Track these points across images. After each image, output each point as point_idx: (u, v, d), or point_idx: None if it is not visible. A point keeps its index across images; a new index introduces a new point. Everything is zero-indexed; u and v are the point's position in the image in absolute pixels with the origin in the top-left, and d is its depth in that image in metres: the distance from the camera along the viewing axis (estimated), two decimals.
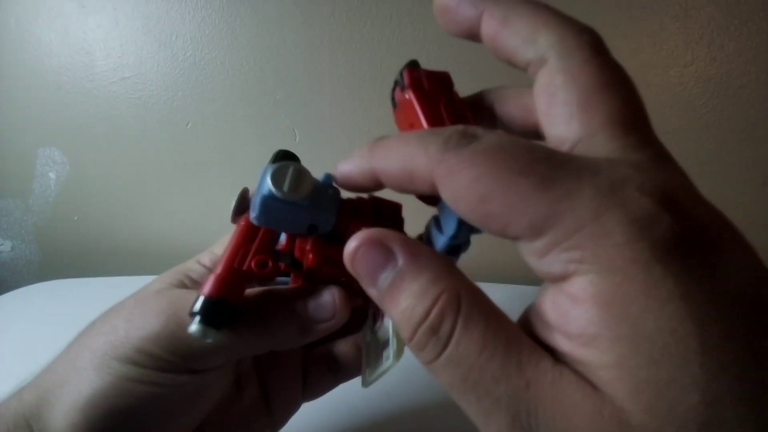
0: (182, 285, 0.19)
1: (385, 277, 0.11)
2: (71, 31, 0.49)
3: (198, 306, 0.14)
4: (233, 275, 0.15)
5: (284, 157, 0.18)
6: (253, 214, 0.14)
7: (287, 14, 0.46)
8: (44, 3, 0.48)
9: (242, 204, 0.17)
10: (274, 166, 0.14)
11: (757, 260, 0.11)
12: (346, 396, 0.27)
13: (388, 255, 0.11)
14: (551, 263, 0.10)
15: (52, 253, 0.57)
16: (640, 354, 0.09)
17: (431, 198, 0.14)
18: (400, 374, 0.19)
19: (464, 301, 0.11)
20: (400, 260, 0.11)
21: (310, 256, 0.16)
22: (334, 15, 0.45)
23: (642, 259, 0.09)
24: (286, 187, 0.14)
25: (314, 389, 0.22)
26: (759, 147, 0.45)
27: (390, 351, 0.14)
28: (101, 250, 0.56)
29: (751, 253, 0.11)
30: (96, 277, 0.46)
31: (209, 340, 0.14)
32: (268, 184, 0.14)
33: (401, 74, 0.16)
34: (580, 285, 0.10)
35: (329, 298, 0.17)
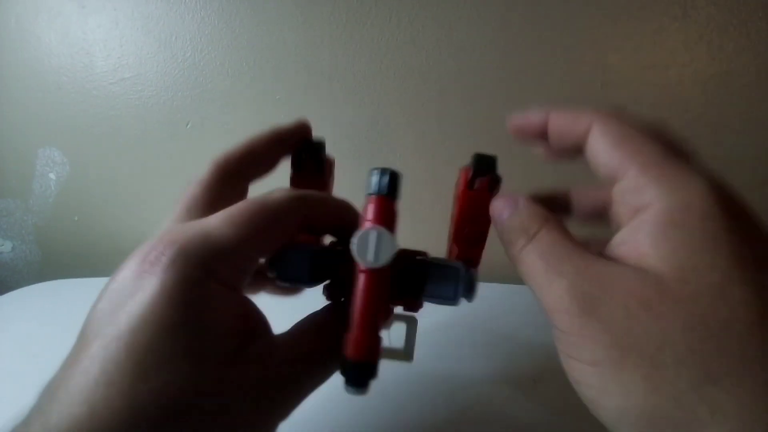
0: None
1: (506, 210, 0.17)
2: (71, 32, 0.49)
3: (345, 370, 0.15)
4: (372, 335, 0.15)
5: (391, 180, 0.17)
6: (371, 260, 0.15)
7: (287, 14, 0.46)
8: (44, 3, 0.48)
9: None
10: (360, 233, 0.15)
11: None
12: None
13: (514, 200, 0.17)
14: (640, 196, 0.14)
15: (52, 254, 0.57)
16: (685, 248, 0.13)
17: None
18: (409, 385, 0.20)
19: (549, 220, 0.16)
20: (521, 202, 0.17)
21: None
22: (334, 15, 0.46)
23: (700, 206, 0.13)
24: (370, 256, 0.15)
25: None
26: (758, 147, 0.45)
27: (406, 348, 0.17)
28: (101, 250, 0.56)
29: None
30: (96, 277, 0.46)
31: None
32: (355, 253, 0.15)
33: (490, 169, 0.19)
34: (655, 210, 0.14)
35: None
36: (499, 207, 0.18)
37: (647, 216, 0.14)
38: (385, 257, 0.15)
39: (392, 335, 0.19)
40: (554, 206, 0.20)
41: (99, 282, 0.17)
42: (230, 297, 0.15)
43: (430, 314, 0.21)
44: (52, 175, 0.54)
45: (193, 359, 0.14)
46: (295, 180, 0.22)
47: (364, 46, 0.46)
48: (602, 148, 0.16)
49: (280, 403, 0.16)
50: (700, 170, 0.15)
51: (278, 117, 0.49)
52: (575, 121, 0.17)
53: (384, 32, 0.46)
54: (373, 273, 0.15)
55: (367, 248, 0.15)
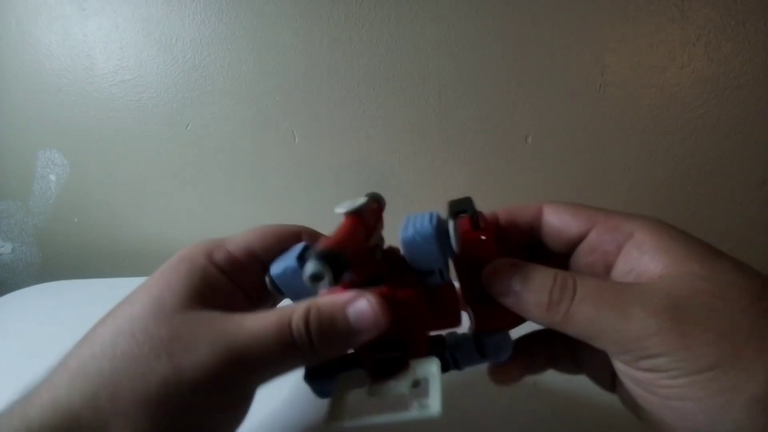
0: (206, 293, 0.17)
1: (516, 282, 0.16)
2: (71, 34, 0.49)
3: (317, 251, 0.14)
4: (345, 242, 0.15)
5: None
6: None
7: (286, 16, 0.46)
8: (44, 5, 0.48)
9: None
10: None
11: None
12: None
13: (513, 268, 0.17)
14: (618, 233, 0.17)
15: (52, 255, 0.57)
16: (688, 253, 0.15)
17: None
18: None
19: (567, 272, 0.16)
20: (523, 269, 0.17)
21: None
22: (333, 17, 0.46)
23: (673, 229, 0.17)
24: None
25: None
26: (757, 147, 0.45)
27: (432, 400, 0.15)
28: (101, 251, 0.56)
29: None
30: (96, 278, 0.46)
31: (317, 279, 0.14)
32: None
33: (475, 213, 0.18)
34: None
35: (368, 307, 0.16)
36: (502, 283, 0.17)
37: (639, 241, 0.16)
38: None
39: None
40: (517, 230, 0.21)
41: (99, 283, 0.17)
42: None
43: None
44: (52, 177, 0.54)
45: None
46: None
47: (363, 47, 0.46)
48: (564, 219, 0.18)
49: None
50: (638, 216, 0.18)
51: (278, 118, 0.50)
52: (526, 207, 0.19)
53: (383, 33, 0.46)
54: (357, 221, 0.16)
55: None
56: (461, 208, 0.18)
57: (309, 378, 0.19)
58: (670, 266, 0.15)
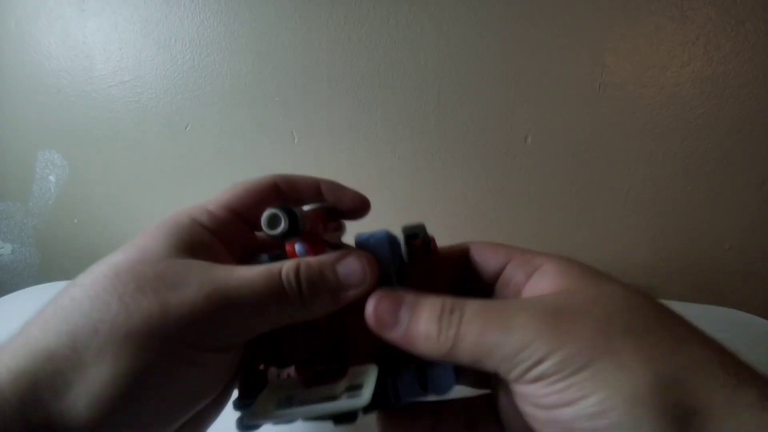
0: (193, 246, 0.17)
1: (404, 312, 0.16)
2: (71, 35, 0.49)
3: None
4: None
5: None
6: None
7: (285, 17, 0.46)
8: (44, 6, 0.48)
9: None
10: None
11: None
12: None
13: (399, 298, 0.16)
14: (529, 265, 0.18)
15: (52, 256, 0.57)
16: (574, 280, 0.17)
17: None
18: None
19: (452, 298, 0.16)
20: (408, 298, 0.16)
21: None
22: (332, 17, 0.46)
23: (571, 261, 0.18)
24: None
25: None
26: (756, 147, 0.45)
27: (364, 390, 0.16)
28: (101, 252, 0.56)
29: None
30: None
31: (273, 224, 0.15)
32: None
33: (426, 237, 0.19)
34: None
35: (356, 262, 0.17)
36: (386, 309, 0.16)
37: (544, 270, 0.17)
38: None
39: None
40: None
41: None
42: None
43: None
44: (51, 178, 0.54)
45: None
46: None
47: (362, 47, 0.46)
48: (488, 256, 0.19)
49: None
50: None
51: (277, 118, 0.50)
52: (455, 247, 0.20)
53: (382, 34, 0.46)
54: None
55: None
56: (414, 231, 0.19)
57: (239, 403, 0.18)
58: (558, 285, 0.16)
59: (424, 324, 0.15)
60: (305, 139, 0.50)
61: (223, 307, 0.15)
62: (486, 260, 0.19)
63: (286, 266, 0.16)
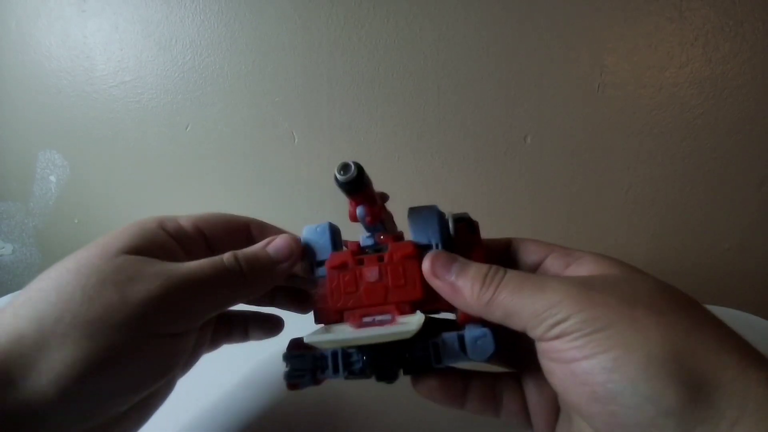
0: (153, 247, 0.19)
1: (455, 267, 0.18)
2: (71, 35, 0.49)
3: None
4: None
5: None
6: None
7: (285, 17, 0.46)
8: (45, 6, 0.49)
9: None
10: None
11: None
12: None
13: (453, 258, 0.19)
14: (570, 257, 0.19)
15: (52, 256, 0.57)
16: (605, 269, 0.18)
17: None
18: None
19: (500, 269, 0.18)
20: (461, 259, 0.19)
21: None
22: (332, 18, 0.46)
23: (609, 260, 0.18)
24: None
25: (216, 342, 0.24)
26: (755, 147, 0.46)
27: (413, 321, 0.18)
28: None
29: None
30: None
31: (346, 170, 0.17)
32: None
33: (471, 221, 0.21)
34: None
35: (283, 241, 0.20)
36: (442, 262, 0.19)
37: (581, 262, 0.19)
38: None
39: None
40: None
41: None
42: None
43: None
44: (52, 178, 0.54)
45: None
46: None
47: (362, 48, 0.46)
48: (529, 248, 0.21)
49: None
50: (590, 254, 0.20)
51: (277, 119, 0.50)
52: (498, 240, 0.22)
53: (382, 34, 0.46)
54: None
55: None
56: (461, 215, 0.21)
57: (289, 354, 0.19)
58: (594, 271, 0.18)
59: (470, 279, 0.18)
60: (305, 139, 0.50)
61: (176, 294, 0.17)
62: (527, 252, 0.21)
63: (226, 256, 0.19)
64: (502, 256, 0.21)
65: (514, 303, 0.16)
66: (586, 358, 0.15)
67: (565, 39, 0.45)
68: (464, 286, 0.18)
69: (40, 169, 0.54)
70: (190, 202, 0.53)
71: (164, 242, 0.19)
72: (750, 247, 0.49)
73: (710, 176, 0.47)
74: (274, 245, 0.20)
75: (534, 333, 0.16)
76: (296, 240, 0.20)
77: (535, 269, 0.20)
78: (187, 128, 0.51)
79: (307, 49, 0.47)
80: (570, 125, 0.47)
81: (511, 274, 0.17)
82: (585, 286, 0.16)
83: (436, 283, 0.18)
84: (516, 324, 0.16)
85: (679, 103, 0.45)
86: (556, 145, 0.47)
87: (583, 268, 0.18)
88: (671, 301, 0.16)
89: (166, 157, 0.52)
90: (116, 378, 0.16)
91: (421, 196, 0.48)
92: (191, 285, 0.17)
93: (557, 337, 0.15)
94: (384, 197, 0.21)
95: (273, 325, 0.24)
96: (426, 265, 0.18)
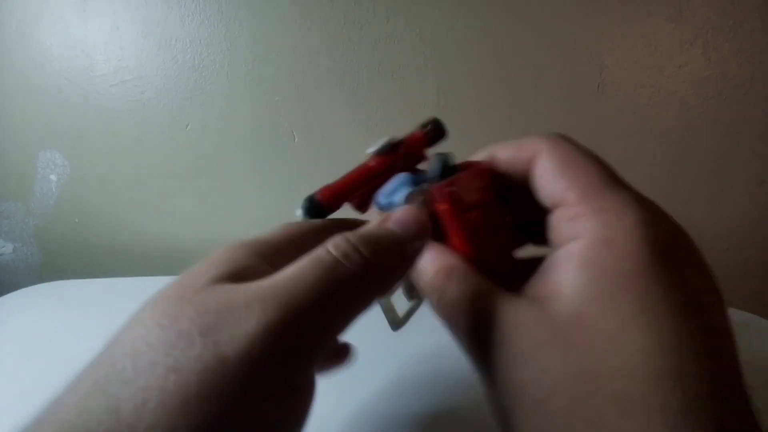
0: (239, 273, 0.14)
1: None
2: (72, 35, 0.49)
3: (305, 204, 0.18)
4: (339, 196, 0.19)
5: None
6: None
7: (285, 17, 0.46)
8: (45, 6, 0.49)
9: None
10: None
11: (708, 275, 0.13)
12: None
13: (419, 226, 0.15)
14: (574, 225, 0.13)
15: (53, 255, 0.57)
16: (593, 289, 0.12)
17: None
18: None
19: (453, 270, 0.15)
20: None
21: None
22: (332, 17, 0.46)
23: (622, 243, 0.12)
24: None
25: None
26: (755, 147, 0.46)
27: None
28: (102, 251, 0.56)
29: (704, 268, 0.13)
30: (96, 278, 0.46)
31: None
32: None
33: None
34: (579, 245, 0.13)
35: (404, 213, 0.15)
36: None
37: (571, 248, 0.13)
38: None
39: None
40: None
41: (99, 283, 0.17)
42: None
43: (431, 313, 0.22)
44: (53, 177, 0.54)
45: None
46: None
47: (362, 47, 0.46)
48: (547, 173, 0.14)
49: None
50: (639, 199, 0.13)
51: (277, 118, 0.50)
52: (520, 148, 0.16)
53: (382, 34, 0.46)
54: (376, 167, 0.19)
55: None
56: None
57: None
58: (558, 292, 0.13)
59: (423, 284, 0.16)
60: (305, 139, 0.50)
61: (283, 319, 0.12)
62: (544, 187, 0.15)
63: (332, 241, 0.13)
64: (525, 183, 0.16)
65: (447, 321, 0.15)
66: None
67: (565, 39, 0.45)
68: (421, 281, 0.16)
69: (40, 169, 0.54)
70: (190, 201, 0.53)
71: (256, 266, 0.14)
72: (750, 247, 0.49)
73: (710, 176, 0.47)
74: (395, 220, 0.15)
75: None
76: (421, 211, 0.15)
77: (555, 208, 0.15)
78: (187, 127, 0.51)
79: (308, 49, 0.47)
80: (570, 125, 0.47)
81: (449, 292, 0.15)
82: (492, 349, 0.13)
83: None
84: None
85: (678, 102, 0.45)
86: None
87: (562, 270, 0.13)
88: (585, 399, 0.11)
89: (167, 156, 0.52)
90: None
91: None
92: (303, 308, 0.12)
93: None
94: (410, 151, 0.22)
95: (342, 357, 0.21)
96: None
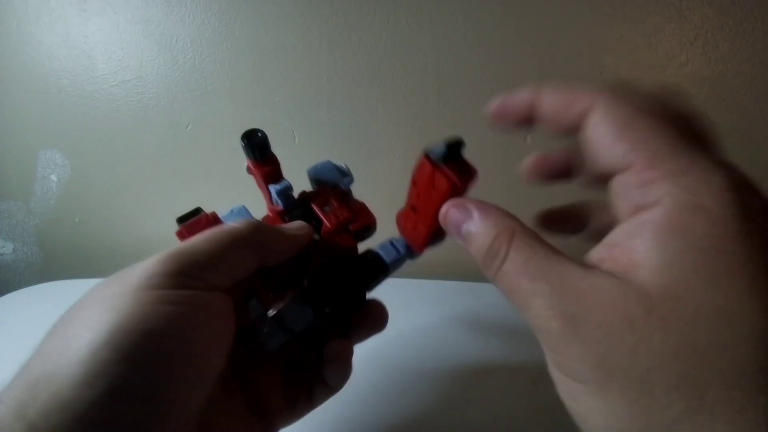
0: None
1: (467, 228, 0.16)
2: (72, 35, 0.49)
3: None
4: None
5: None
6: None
7: (286, 17, 0.47)
8: (45, 6, 0.49)
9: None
10: None
11: None
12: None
13: (467, 212, 0.17)
14: (645, 193, 0.13)
15: (53, 255, 0.57)
16: (685, 260, 0.11)
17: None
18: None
19: (516, 233, 0.15)
20: (474, 214, 0.16)
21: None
22: (332, 17, 0.46)
23: (712, 208, 0.12)
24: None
25: (293, 410, 0.22)
26: (755, 147, 0.46)
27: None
28: (102, 251, 0.56)
29: None
30: (97, 278, 0.46)
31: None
32: None
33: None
34: (661, 212, 0.12)
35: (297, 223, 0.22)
36: (454, 221, 0.17)
37: (649, 216, 0.12)
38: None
39: None
40: (569, 221, 0.21)
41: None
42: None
43: (430, 313, 0.22)
44: (53, 177, 0.54)
45: None
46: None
47: (362, 47, 0.46)
48: (604, 134, 0.14)
49: None
50: (720, 161, 0.13)
51: (278, 118, 0.50)
52: (573, 100, 0.15)
53: (382, 33, 0.46)
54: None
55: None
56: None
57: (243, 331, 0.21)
58: (637, 267, 0.12)
59: (475, 251, 0.16)
60: (305, 139, 0.50)
61: (187, 248, 0.17)
62: (600, 148, 0.14)
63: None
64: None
65: (512, 297, 0.14)
66: (559, 389, 0.14)
67: (565, 39, 0.45)
68: (472, 250, 0.16)
69: (41, 168, 0.54)
70: (190, 201, 0.53)
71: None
72: None
73: None
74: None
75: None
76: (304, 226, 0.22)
77: (606, 180, 0.15)
78: (187, 127, 0.51)
79: (308, 49, 0.47)
80: None
81: (515, 253, 0.14)
82: (572, 323, 0.12)
83: (456, 239, 0.17)
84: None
85: None
86: (556, 145, 0.47)
87: (641, 239, 0.12)
88: (692, 373, 0.11)
89: (167, 156, 0.52)
90: (191, 341, 0.15)
91: None
92: (201, 241, 0.18)
93: (546, 353, 0.14)
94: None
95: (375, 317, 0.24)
96: (442, 222, 0.18)
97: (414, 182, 0.19)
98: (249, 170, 0.26)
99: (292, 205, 0.23)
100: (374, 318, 0.23)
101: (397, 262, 0.22)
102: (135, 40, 0.48)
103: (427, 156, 0.18)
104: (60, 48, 0.50)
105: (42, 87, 0.51)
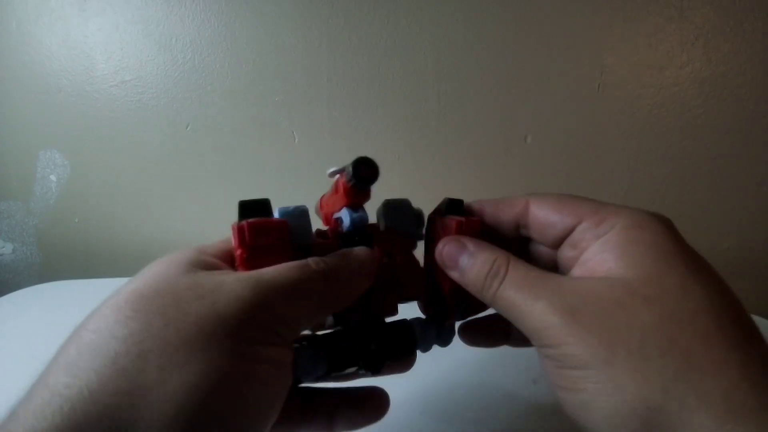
0: (207, 267, 0.17)
1: (463, 259, 0.18)
2: (72, 35, 0.49)
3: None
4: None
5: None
6: None
7: (286, 17, 0.46)
8: (45, 6, 0.49)
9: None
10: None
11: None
12: None
13: (462, 245, 0.19)
14: (600, 228, 0.17)
15: (52, 255, 0.57)
16: (644, 258, 0.15)
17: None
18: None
19: (511, 258, 0.17)
20: (471, 247, 0.18)
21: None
22: (332, 17, 0.46)
23: (649, 225, 0.16)
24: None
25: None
26: (755, 147, 0.46)
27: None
28: (102, 251, 0.56)
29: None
30: (96, 278, 0.46)
31: None
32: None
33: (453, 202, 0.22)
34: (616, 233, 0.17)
35: (361, 250, 0.20)
36: (450, 254, 0.19)
37: (609, 237, 0.16)
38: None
39: None
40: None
41: (99, 283, 0.17)
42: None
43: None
44: (53, 177, 0.54)
45: None
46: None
47: (362, 47, 0.46)
48: (549, 211, 0.19)
49: None
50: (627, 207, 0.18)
51: (278, 118, 0.50)
52: (512, 203, 0.20)
53: (382, 34, 0.46)
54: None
55: None
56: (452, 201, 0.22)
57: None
58: (612, 269, 0.16)
59: (474, 277, 0.18)
60: (305, 139, 0.50)
61: (270, 297, 0.15)
62: (550, 221, 0.18)
63: (312, 258, 0.18)
64: (521, 229, 0.20)
65: (513, 311, 0.16)
66: (561, 389, 0.15)
67: (565, 39, 0.45)
68: (469, 284, 0.18)
69: (40, 169, 0.54)
70: (190, 201, 0.53)
71: (212, 263, 0.17)
72: (750, 247, 0.49)
73: (710, 176, 0.47)
74: (357, 252, 0.19)
75: (532, 342, 0.16)
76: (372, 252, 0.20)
77: (560, 242, 0.18)
78: (187, 127, 0.51)
79: (308, 49, 0.47)
80: (570, 125, 0.47)
81: (514, 271, 0.17)
82: (573, 316, 0.15)
83: (450, 275, 0.19)
84: (518, 327, 0.17)
85: (679, 102, 0.45)
86: (556, 145, 0.47)
87: (605, 255, 0.16)
88: (672, 338, 0.14)
89: (167, 157, 0.52)
90: (233, 404, 0.13)
91: (421, 196, 0.48)
92: (283, 288, 0.15)
93: (547, 357, 0.16)
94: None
95: (373, 407, 0.21)
96: (438, 257, 0.19)
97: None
98: (335, 183, 0.22)
99: (355, 234, 0.21)
100: (373, 408, 0.22)
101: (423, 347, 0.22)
102: (135, 40, 0.48)
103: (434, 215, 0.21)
104: (60, 48, 0.50)
105: (42, 87, 0.51)
